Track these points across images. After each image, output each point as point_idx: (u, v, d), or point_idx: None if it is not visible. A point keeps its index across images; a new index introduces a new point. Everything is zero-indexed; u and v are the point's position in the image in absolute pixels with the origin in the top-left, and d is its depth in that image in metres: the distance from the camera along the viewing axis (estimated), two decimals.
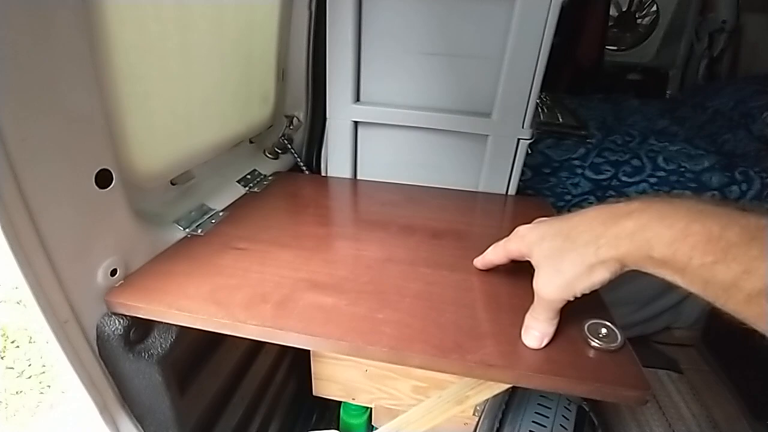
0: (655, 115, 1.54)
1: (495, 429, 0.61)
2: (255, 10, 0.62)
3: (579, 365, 0.35)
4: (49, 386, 1.19)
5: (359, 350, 0.37)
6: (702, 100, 1.64)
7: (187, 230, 0.51)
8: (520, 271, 0.40)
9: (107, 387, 0.41)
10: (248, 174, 0.68)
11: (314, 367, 0.71)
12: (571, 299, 0.34)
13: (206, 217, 0.55)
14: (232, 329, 0.38)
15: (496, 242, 0.43)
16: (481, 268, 0.46)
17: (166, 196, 0.53)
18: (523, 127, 0.65)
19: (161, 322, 0.41)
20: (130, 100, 0.41)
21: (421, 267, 0.48)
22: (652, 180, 1.14)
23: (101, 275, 0.39)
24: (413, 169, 0.73)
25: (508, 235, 0.41)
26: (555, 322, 0.36)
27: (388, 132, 0.71)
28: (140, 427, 0.44)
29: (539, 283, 0.35)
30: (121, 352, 0.39)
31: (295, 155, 0.78)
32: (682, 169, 1.13)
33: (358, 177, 0.76)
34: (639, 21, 2.18)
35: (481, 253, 0.45)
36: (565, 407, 0.65)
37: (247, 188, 0.65)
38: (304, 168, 0.79)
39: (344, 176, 0.75)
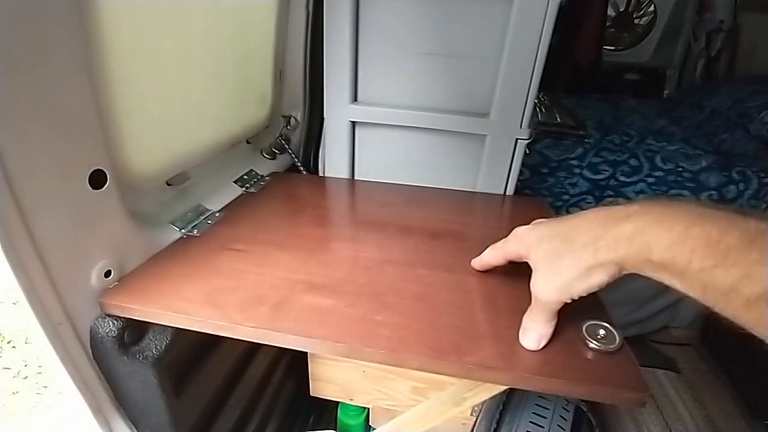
0: (652, 115, 1.55)
1: (492, 429, 0.60)
2: (252, 10, 0.62)
3: (577, 367, 0.34)
4: (45, 387, 1.19)
5: (357, 352, 0.36)
6: (699, 99, 1.65)
7: (183, 231, 0.51)
8: (518, 272, 0.40)
9: (101, 389, 0.41)
10: (245, 174, 0.68)
11: (312, 367, 0.70)
12: (569, 301, 0.34)
13: (202, 217, 0.54)
14: (228, 331, 0.38)
15: (494, 243, 0.43)
16: (479, 269, 0.46)
17: (162, 197, 0.53)
18: (521, 127, 0.65)
19: (156, 324, 0.40)
20: (124, 100, 0.41)
21: (419, 268, 0.47)
22: (650, 180, 1.14)
23: (95, 277, 0.39)
24: (411, 169, 0.73)
25: (506, 236, 0.40)
26: (553, 323, 0.36)
27: (385, 132, 0.70)
28: (135, 430, 0.44)
29: (536, 284, 0.35)
30: (115, 354, 0.39)
31: (293, 155, 0.77)
32: (680, 169, 1.13)
33: (356, 177, 0.75)
34: (636, 21, 2.19)
35: (479, 254, 0.45)
36: (563, 408, 0.65)
37: (243, 189, 0.65)
38: (302, 168, 0.78)
39: (342, 177, 0.75)
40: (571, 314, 0.36)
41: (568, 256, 0.32)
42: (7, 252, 0.31)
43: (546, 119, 1.34)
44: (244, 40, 0.61)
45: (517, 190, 0.71)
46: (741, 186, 1.09)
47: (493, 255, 0.43)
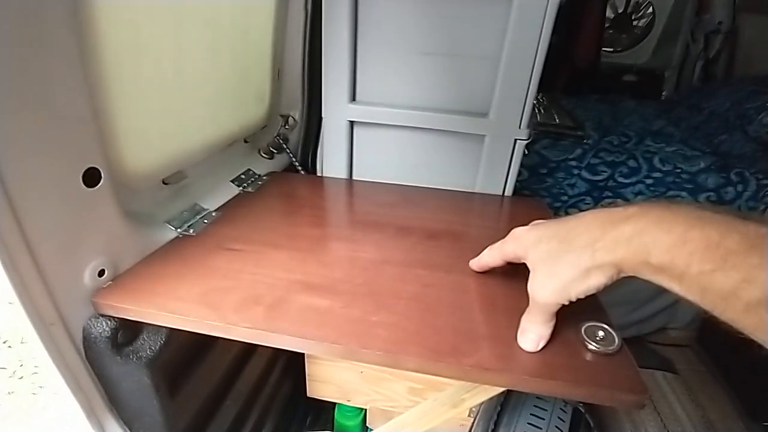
0: (651, 116, 1.55)
1: (490, 431, 0.60)
2: (250, 10, 0.62)
3: (576, 368, 0.34)
4: (41, 387, 1.18)
5: (354, 353, 0.36)
6: (698, 101, 1.65)
7: (178, 230, 0.50)
8: (517, 273, 0.40)
9: (94, 390, 0.40)
10: (242, 173, 0.67)
11: (309, 368, 0.70)
12: (566, 303, 0.33)
13: (199, 217, 0.54)
14: (223, 332, 0.37)
15: (493, 244, 0.42)
16: (478, 270, 0.46)
17: (158, 196, 0.52)
18: (519, 128, 0.65)
19: (151, 324, 0.40)
20: (120, 97, 0.40)
21: (417, 269, 0.47)
22: (649, 181, 1.14)
23: (88, 276, 0.38)
24: (409, 169, 0.73)
25: (504, 237, 0.40)
26: (551, 324, 0.36)
27: (384, 132, 0.70)
28: None
29: (534, 286, 0.35)
30: (108, 355, 0.38)
31: (291, 155, 0.77)
32: (678, 170, 1.13)
33: (354, 177, 0.75)
34: (635, 22, 2.19)
35: (478, 254, 0.45)
36: (560, 409, 0.64)
37: (241, 188, 0.65)
38: (300, 168, 0.78)
39: (340, 176, 0.74)
40: (570, 315, 0.36)
41: (566, 258, 0.32)
42: None
43: (545, 120, 1.34)
44: (242, 39, 0.61)
45: (516, 191, 0.71)
46: (739, 187, 1.09)
47: (492, 256, 0.42)
